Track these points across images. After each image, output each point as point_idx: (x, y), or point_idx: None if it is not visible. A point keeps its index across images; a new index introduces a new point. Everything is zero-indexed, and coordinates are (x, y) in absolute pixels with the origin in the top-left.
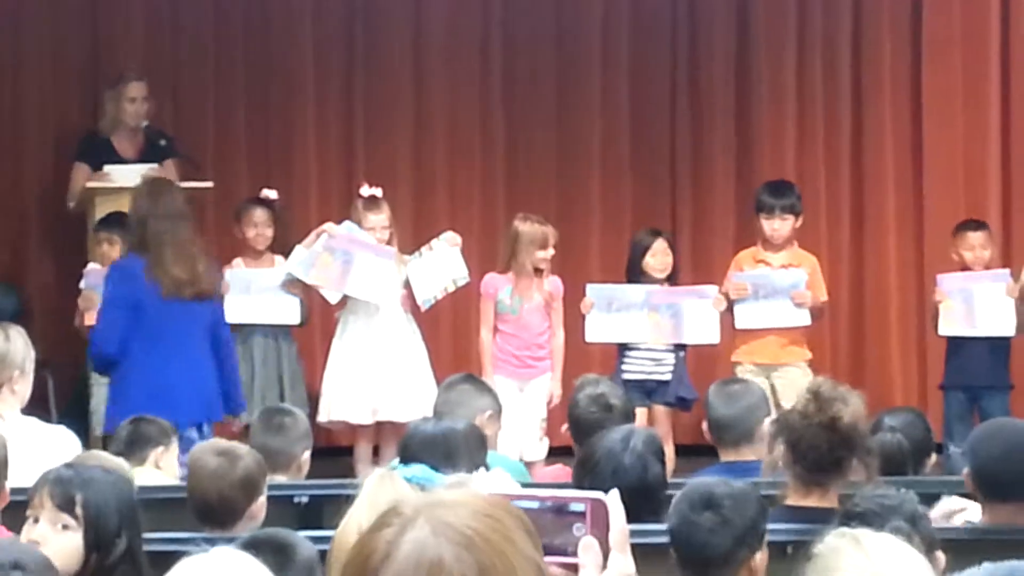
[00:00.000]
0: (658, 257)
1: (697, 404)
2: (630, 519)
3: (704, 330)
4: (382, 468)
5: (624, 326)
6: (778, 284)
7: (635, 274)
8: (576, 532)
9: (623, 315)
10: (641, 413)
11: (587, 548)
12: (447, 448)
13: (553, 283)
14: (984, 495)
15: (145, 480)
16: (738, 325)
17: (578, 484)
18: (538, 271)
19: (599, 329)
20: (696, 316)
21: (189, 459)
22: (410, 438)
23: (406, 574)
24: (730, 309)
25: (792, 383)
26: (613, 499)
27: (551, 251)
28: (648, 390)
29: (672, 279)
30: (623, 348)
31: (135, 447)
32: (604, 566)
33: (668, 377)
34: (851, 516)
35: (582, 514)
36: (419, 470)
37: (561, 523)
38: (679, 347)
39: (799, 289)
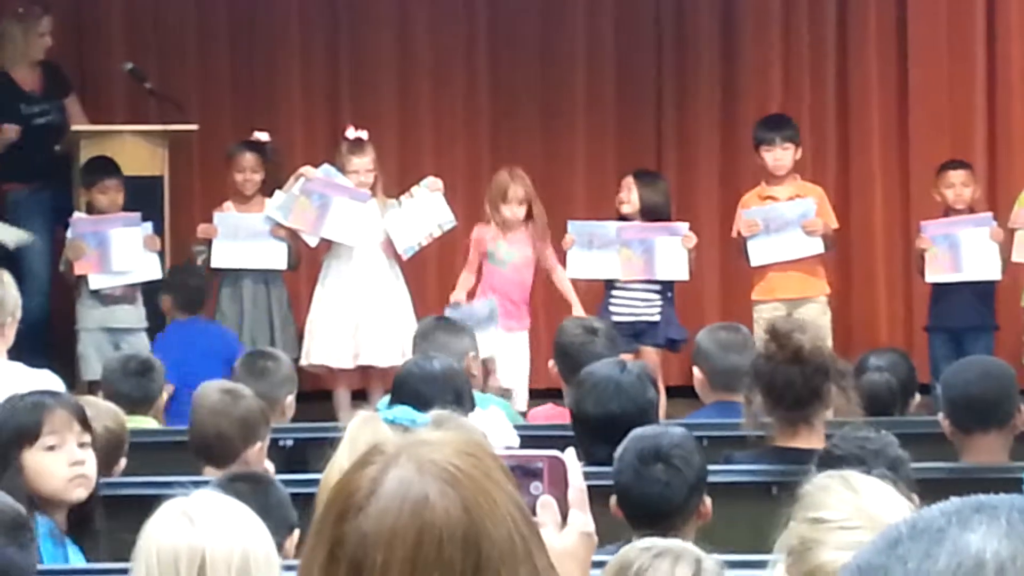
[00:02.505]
0: (624, 193)
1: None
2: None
3: (674, 266)
4: (364, 411)
5: (601, 263)
6: (788, 215)
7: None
8: (533, 491)
9: (602, 252)
10: (628, 359)
11: (545, 506)
12: (444, 387)
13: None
14: (961, 429)
15: None
16: (753, 263)
17: (577, 409)
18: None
19: (579, 266)
20: (667, 252)
21: (194, 394)
22: (399, 379)
23: (391, 510)
24: (744, 250)
25: (815, 319)
26: (570, 457)
27: (516, 206)
28: (637, 331)
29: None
30: (609, 289)
31: None
32: (564, 524)
33: (657, 318)
34: (832, 459)
35: (540, 473)
36: (401, 410)
37: (520, 482)
38: (666, 288)
39: (809, 218)
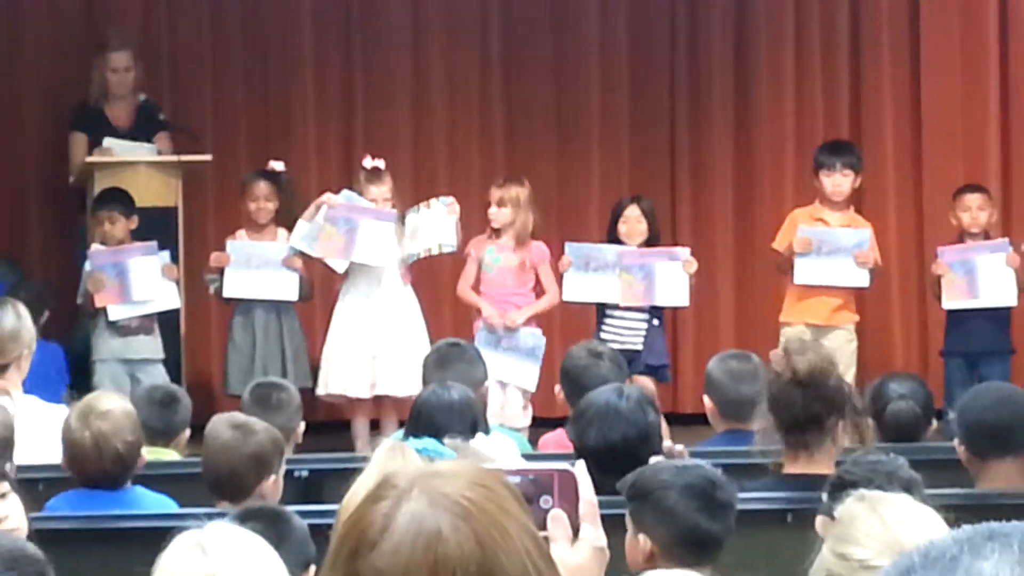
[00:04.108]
0: (629, 224)
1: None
2: (631, 466)
3: (674, 292)
4: (390, 439)
5: (598, 286)
6: (843, 242)
7: (611, 240)
8: (544, 505)
9: (598, 275)
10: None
11: (556, 520)
12: (461, 417)
13: (534, 249)
14: (978, 455)
15: None
16: (797, 280)
17: (577, 438)
18: (530, 236)
19: (576, 288)
20: (667, 278)
21: (206, 429)
22: (419, 408)
23: (404, 546)
24: (788, 264)
25: (840, 347)
26: (581, 471)
27: (494, 209)
28: (626, 360)
29: (649, 247)
30: (601, 316)
31: None
32: (575, 538)
33: (640, 347)
34: (845, 484)
35: (551, 487)
36: (430, 443)
37: (531, 496)
38: (653, 314)
39: (863, 249)
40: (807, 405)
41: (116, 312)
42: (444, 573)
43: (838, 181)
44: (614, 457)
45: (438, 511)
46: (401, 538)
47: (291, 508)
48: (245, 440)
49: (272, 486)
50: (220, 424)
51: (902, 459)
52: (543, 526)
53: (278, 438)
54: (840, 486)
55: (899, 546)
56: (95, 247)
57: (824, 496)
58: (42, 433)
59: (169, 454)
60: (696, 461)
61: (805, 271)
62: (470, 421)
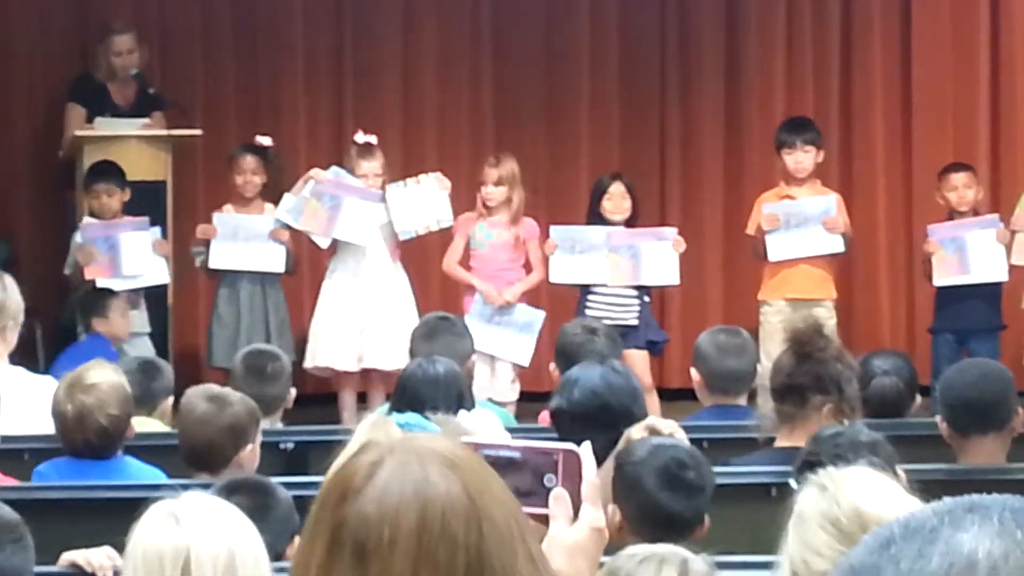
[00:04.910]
0: (614, 200)
1: (674, 347)
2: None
3: (663, 271)
4: (374, 414)
5: (586, 267)
6: (809, 212)
7: (594, 217)
8: (547, 483)
9: (585, 256)
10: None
11: (558, 499)
12: (447, 391)
13: (525, 226)
14: (959, 431)
15: None
16: (771, 257)
17: (567, 406)
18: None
19: (562, 270)
20: (655, 258)
21: (181, 402)
22: (405, 381)
23: (392, 489)
24: (761, 246)
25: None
26: (586, 451)
27: (491, 188)
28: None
29: (631, 224)
30: (584, 292)
31: None
32: (575, 517)
33: (635, 322)
34: (812, 465)
35: (555, 465)
36: (412, 417)
37: (533, 474)
38: (643, 291)
39: (831, 215)
40: (793, 375)
41: (105, 286)
42: (433, 512)
43: (800, 158)
44: (597, 421)
45: (424, 461)
46: (388, 483)
47: (276, 480)
48: (220, 411)
49: (249, 455)
50: (195, 397)
51: (860, 425)
52: (545, 504)
53: (253, 408)
54: (808, 467)
55: (854, 525)
56: (87, 220)
57: (793, 475)
58: (27, 404)
59: (152, 423)
60: (675, 441)
61: (778, 247)
62: (455, 395)
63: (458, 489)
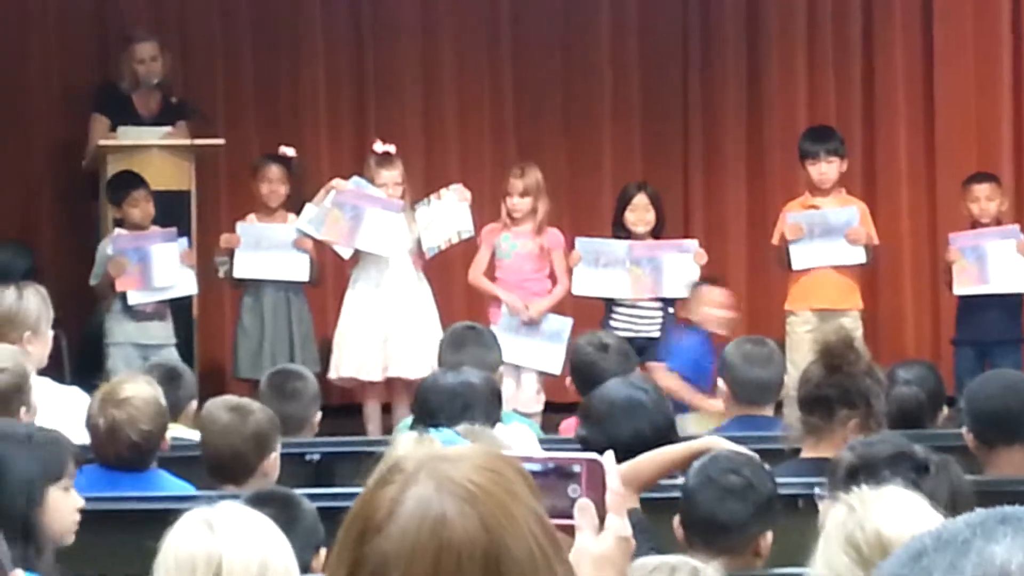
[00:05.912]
0: (637, 212)
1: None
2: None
3: (683, 284)
4: (415, 432)
5: (607, 281)
6: (832, 222)
7: (618, 228)
8: (572, 494)
9: (608, 270)
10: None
11: (583, 510)
12: (465, 402)
13: (550, 236)
14: (985, 442)
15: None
16: (794, 266)
17: (593, 439)
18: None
19: (585, 283)
20: (675, 270)
21: (202, 414)
22: (426, 392)
23: (410, 530)
24: (785, 255)
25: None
26: (609, 461)
27: (517, 199)
28: (639, 348)
29: (656, 235)
30: (608, 304)
31: None
32: (600, 528)
33: (658, 334)
34: (845, 471)
35: (578, 476)
36: (448, 434)
37: (557, 485)
38: (667, 303)
39: (853, 226)
40: (821, 386)
41: (135, 297)
42: (449, 557)
43: (824, 169)
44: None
45: (444, 495)
46: (407, 522)
47: (302, 492)
48: (244, 421)
49: (272, 464)
50: (216, 408)
51: (903, 439)
52: (570, 515)
53: (273, 416)
54: (846, 472)
55: (879, 561)
56: (118, 231)
57: (817, 488)
58: (54, 414)
59: (177, 428)
60: (727, 452)
61: (801, 256)
62: (481, 406)
63: (476, 528)
